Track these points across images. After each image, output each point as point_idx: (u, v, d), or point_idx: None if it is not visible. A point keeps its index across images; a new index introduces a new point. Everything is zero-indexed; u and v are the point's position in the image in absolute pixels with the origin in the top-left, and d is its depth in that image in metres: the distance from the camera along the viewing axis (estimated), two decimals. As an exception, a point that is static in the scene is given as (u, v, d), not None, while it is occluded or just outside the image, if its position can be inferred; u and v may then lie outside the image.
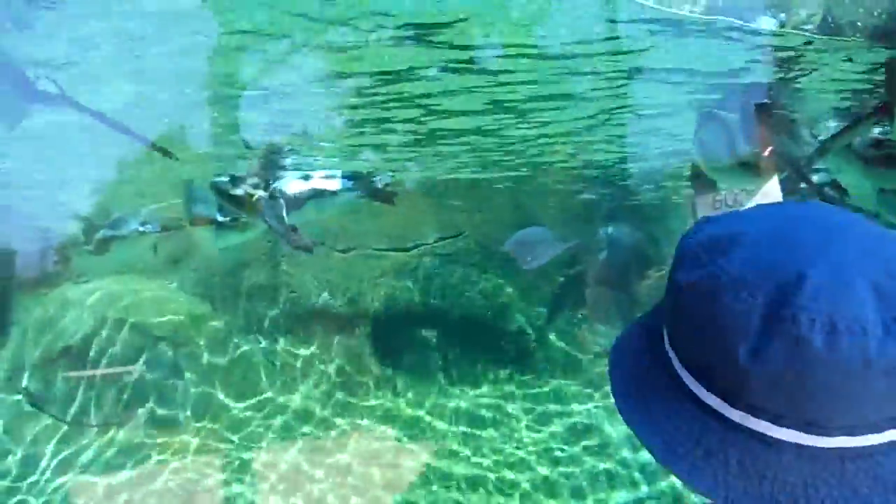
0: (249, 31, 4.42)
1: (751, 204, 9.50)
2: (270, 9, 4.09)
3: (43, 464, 8.32)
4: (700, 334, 1.13)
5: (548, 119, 6.56)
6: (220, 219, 6.98)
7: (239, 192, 6.50)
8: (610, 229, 9.32)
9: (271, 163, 7.25)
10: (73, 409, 8.76)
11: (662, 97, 6.16)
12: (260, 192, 6.51)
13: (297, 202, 6.84)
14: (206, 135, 6.72)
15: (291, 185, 6.98)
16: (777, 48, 4.93)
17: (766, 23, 4.60)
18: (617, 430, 8.45)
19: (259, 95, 5.74)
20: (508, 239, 8.55)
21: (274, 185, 6.76)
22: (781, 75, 5.56)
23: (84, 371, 8.90)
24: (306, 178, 7.19)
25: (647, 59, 5.19)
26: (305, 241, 6.65)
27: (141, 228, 7.68)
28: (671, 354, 1.20)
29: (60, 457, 8.37)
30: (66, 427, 8.59)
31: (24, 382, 8.84)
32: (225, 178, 6.74)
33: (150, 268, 9.35)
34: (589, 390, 8.98)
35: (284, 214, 6.60)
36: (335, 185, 7.29)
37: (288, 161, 7.39)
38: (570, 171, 8.85)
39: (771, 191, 8.86)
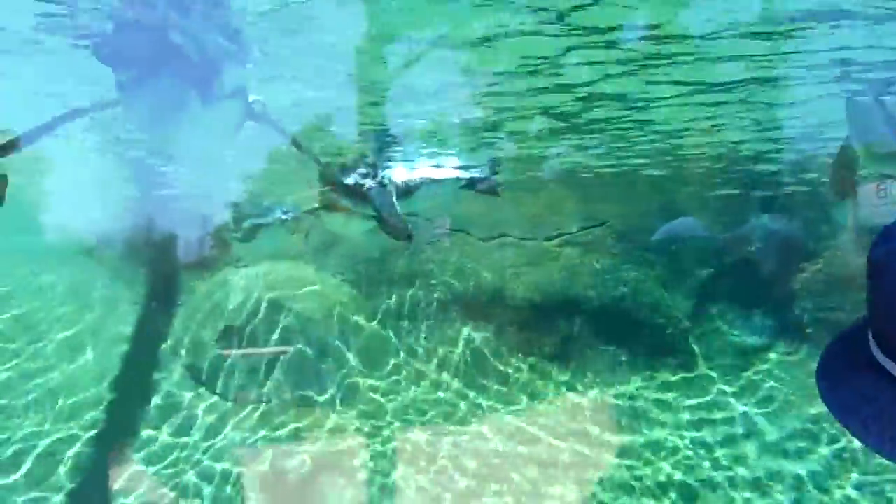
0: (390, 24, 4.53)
1: (916, 193, 8.81)
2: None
3: (198, 435, 8.94)
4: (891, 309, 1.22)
5: (694, 105, 6.32)
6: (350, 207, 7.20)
7: (349, 181, 6.65)
8: (764, 219, 8.87)
9: (381, 151, 7.38)
10: (230, 385, 9.33)
11: (812, 85, 5.80)
12: (369, 181, 6.64)
13: (406, 190, 6.92)
14: (352, 125, 6.97)
15: (399, 173, 7.07)
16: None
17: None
18: (770, 427, 8.10)
19: (401, 88, 5.90)
20: (657, 231, 8.32)
21: (383, 174, 6.86)
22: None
23: (240, 349, 9.45)
24: (412, 168, 7.30)
25: (798, 45, 4.92)
26: (402, 227, 6.75)
27: (283, 216, 8.04)
28: (874, 350, 1.29)
29: (217, 429, 8.95)
30: (220, 401, 9.17)
31: (187, 359, 9.50)
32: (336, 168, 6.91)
33: (301, 254, 9.80)
34: (737, 384, 8.61)
35: (395, 201, 6.71)
36: (442, 174, 7.35)
37: (418, 150, 7.52)
38: (717, 159, 8.48)
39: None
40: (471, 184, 7.35)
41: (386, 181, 6.70)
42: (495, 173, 7.73)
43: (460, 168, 7.57)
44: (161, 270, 10.11)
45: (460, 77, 5.71)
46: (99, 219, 10.21)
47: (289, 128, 6.62)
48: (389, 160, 7.74)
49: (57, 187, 9.57)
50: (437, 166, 7.51)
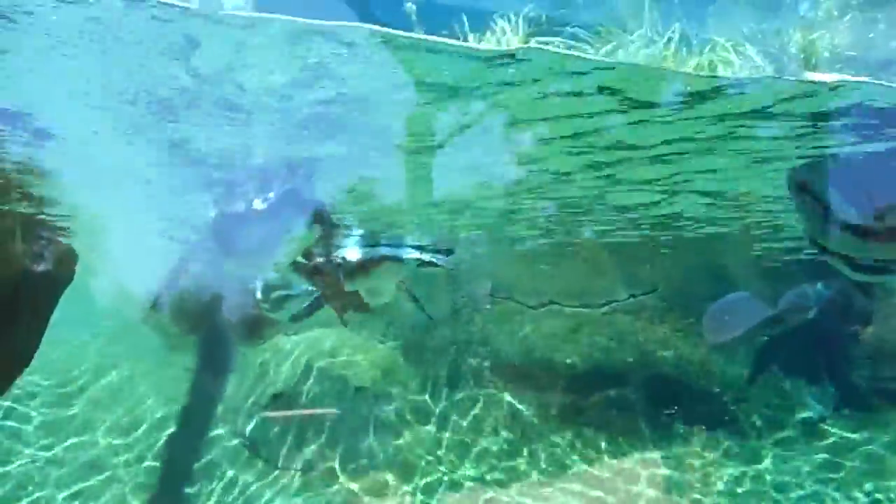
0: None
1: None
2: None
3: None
4: None
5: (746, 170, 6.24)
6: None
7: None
8: (819, 286, 8.66)
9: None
10: (281, 452, 9.36)
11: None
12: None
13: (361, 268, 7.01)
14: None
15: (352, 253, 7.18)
16: None
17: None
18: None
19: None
20: (708, 311, 8.12)
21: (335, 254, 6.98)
22: None
23: (289, 412, 9.50)
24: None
25: (841, 101, 4.87)
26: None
27: (309, 287, 8.16)
28: None
29: (267, 496, 8.97)
30: (272, 468, 9.20)
31: (241, 425, 9.60)
32: None
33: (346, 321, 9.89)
34: (792, 453, 8.29)
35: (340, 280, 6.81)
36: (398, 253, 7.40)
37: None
38: (768, 224, 8.34)
39: None
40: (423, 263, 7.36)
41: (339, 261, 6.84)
42: (450, 253, 7.71)
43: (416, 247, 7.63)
44: (214, 337, 10.30)
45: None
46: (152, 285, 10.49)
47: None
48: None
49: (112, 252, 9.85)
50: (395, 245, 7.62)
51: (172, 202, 7.30)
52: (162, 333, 10.38)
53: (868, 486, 7.95)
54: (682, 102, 4.52)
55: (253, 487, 9.11)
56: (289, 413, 9.51)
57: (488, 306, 9.66)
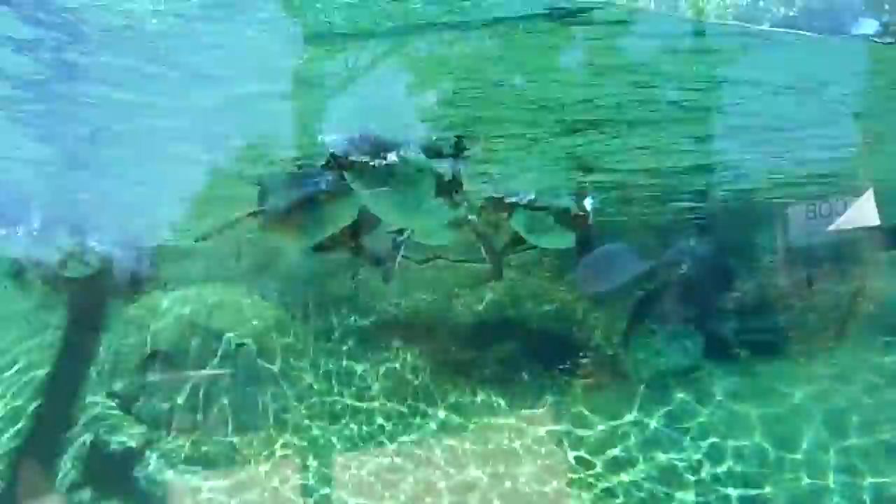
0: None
1: (845, 215, 9.07)
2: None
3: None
4: None
5: (631, 128, 6.39)
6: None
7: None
8: (692, 242, 9.02)
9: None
10: (158, 412, 9.11)
11: (751, 106, 5.94)
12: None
13: None
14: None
15: None
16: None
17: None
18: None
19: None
20: (583, 259, 8.27)
21: None
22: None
23: (172, 374, 9.25)
24: None
25: (733, 69, 5.07)
26: None
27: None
28: None
29: (149, 458, 8.75)
30: (146, 428, 8.96)
31: (114, 385, 9.26)
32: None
33: (233, 276, 9.65)
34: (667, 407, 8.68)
35: None
36: None
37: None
38: (650, 184, 8.59)
39: (865, 203, 8.43)
40: None
41: None
42: None
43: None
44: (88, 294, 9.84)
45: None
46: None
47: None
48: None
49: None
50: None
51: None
52: (28, 291, 9.85)
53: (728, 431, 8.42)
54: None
55: (132, 451, 8.84)
56: (175, 375, 9.24)
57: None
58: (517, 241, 7.19)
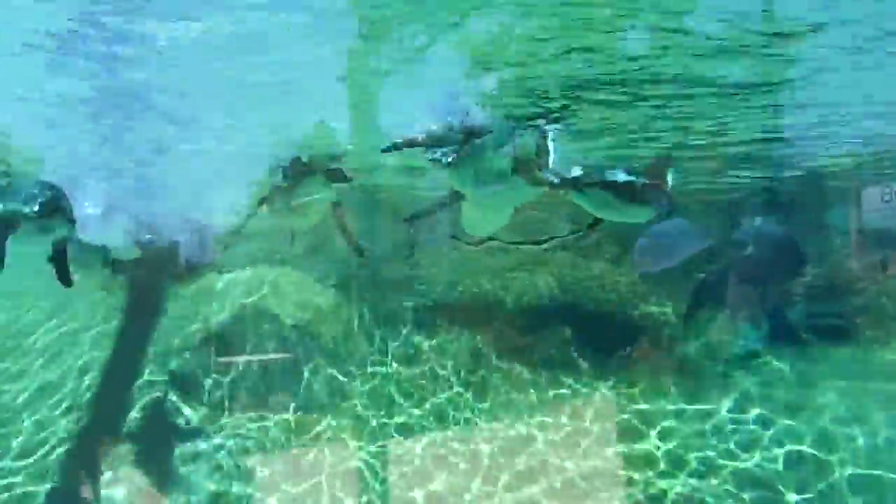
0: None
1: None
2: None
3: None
4: None
5: (691, 101, 6.13)
6: None
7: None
8: (757, 222, 8.65)
9: None
10: (216, 395, 9.19)
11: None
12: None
13: None
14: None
15: None
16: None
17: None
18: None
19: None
20: (642, 235, 7.99)
21: None
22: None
23: (229, 357, 9.31)
24: None
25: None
26: None
27: None
28: None
29: (201, 439, 8.82)
30: (206, 410, 9.04)
31: (170, 366, 9.37)
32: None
33: (287, 258, 9.65)
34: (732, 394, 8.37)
35: None
36: None
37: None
38: (713, 158, 8.27)
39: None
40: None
41: None
42: None
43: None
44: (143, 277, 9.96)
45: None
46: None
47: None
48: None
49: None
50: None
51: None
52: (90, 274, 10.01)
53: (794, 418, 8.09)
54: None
55: (187, 430, 8.94)
56: (233, 359, 9.30)
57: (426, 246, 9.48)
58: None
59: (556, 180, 5.83)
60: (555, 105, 6.28)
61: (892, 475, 7.53)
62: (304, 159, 6.91)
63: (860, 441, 7.76)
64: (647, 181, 6.17)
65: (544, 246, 9.48)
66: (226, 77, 5.65)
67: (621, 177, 6.09)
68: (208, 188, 9.57)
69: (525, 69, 5.59)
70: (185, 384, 9.29)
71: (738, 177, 8.93)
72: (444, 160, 6.08)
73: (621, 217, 6.89)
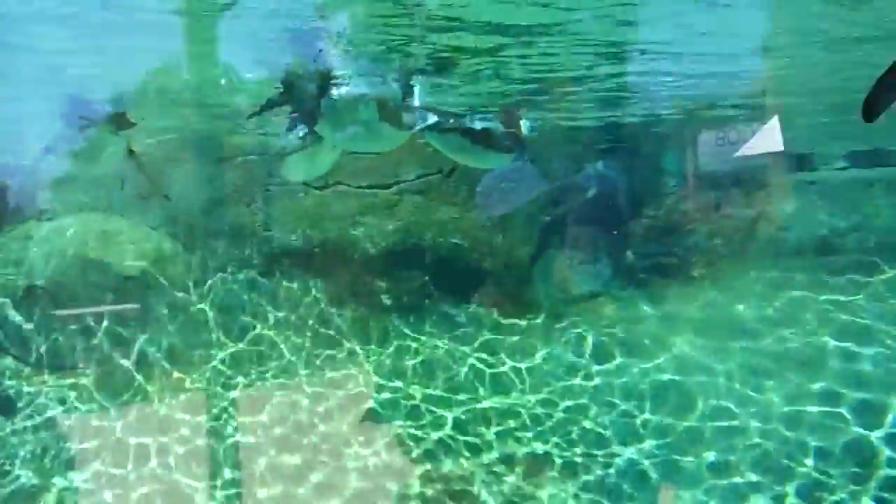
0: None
1: (752, 141, 9.09)
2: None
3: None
4: None
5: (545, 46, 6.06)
6: None
7: None
8: (599, 165, 8.83)
9: None
10: (41, 351, 8.57)
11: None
12: None
13: None
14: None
15: None
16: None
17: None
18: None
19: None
20: (484, 177, 7.99)
21: None
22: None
23: (56, 310, 8.68)
24: None
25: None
26: None
27: None
28: None
29: (24, 400, 8.24)
30: (28, 369, 8.43)
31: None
32: None
33: (117, 205, 9.01)
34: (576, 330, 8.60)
35: None
36: None
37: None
38: (558, 103, 8.31)
39: (772, 128, 8.45)
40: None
41: None
42: None
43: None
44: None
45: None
46: None
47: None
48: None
49: None
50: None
51: None
52: None
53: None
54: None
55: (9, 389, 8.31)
56: (60, 311, 8.65)
57: (269, 188, 9.09)
58: None
59: (420, 125, 5.90)
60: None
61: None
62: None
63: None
64: (504, 128, 6.28)
65: (392, 190, 9.36)
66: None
67: (478, 124, 6.32)
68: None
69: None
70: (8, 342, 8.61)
71: (582, 120, 9.07)
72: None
73: (477, 163, 7.01)
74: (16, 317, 8.66)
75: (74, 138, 6.68)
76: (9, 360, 8.52)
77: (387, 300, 9.08)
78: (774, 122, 8.24)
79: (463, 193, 9.30)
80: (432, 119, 6.36)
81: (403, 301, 9.09)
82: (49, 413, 8.28)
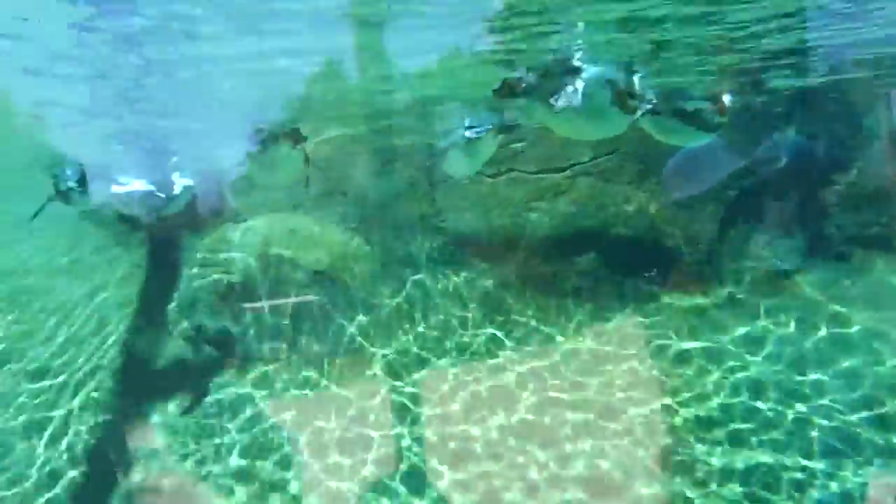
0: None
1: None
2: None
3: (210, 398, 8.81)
4: None
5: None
6: None
7: None
8: (790, 133, 8.20)
9: None
10: (241, 344, 9.12)
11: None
12: None
13: None
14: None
15: None
16: None
17: None
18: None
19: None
20: (670, 163, 7.61)
21: None
22: None
23: (252, 305, 9.20)
24: None
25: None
26: None
27: None
28: None
29: (227, 389, 8.79)
30: (234, 360, 8.99)
31: (194, 319, 9.29)
32: None
33: (301, 204, 9.44)
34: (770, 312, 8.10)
35: None
36: None
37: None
38: (738, 68, 7.80)
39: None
40: None
41: None
42: None
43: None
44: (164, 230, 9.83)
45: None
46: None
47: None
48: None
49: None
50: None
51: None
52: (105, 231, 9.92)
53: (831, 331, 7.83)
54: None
55: (215, 382, 8.90)
56: (255, 305, 9.19)
57: (445, 179, 9.18)
58: None
59: (643, 110, 6.08)
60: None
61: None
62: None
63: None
64: (712, 106, 6.22)
65: (565, 173, 9.18)
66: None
67: (690, 104, 6.37)
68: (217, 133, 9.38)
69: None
70: (211, 337, 9.23)
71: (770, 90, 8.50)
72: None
73: (681, 141, 6.96)
74: (221, 312, 9.28)
75: (257, 150, 7.38)
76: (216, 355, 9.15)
77: (566, 286, 8.94)
78: None
79: (634, 172, 8.99)
80: (651, 103, 6.37)
81: (583, 285, 8.92)
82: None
